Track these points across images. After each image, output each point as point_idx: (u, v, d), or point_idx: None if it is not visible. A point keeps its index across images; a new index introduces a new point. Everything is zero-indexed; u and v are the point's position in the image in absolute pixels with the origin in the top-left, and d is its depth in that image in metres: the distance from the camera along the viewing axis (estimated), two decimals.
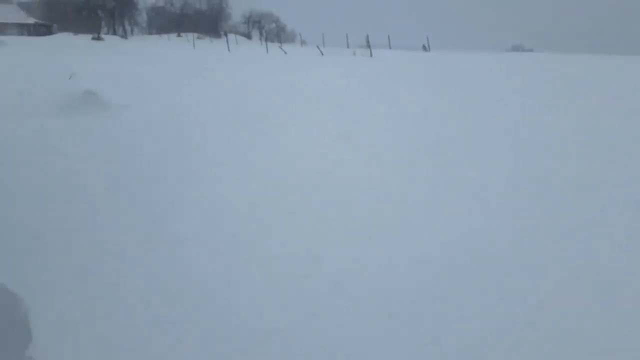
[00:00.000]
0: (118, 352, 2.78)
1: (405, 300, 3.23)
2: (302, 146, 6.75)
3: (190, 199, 4.93)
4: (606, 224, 4.25)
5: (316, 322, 3.03)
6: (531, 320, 3.02)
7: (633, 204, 4.61)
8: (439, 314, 3.09)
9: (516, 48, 37.37)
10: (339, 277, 3.52)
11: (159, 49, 31.31)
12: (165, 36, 55.00)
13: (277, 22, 70.79)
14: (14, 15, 54.90)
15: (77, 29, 52.22)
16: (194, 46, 34.29)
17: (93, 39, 44.17)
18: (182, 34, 56.52)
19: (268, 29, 67.57)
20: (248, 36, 63.80)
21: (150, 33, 65.10)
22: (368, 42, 24.31)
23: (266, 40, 41.55)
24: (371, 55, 21.05)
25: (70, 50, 26.77)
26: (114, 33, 57.93)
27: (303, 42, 41.59)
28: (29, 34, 51.75)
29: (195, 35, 50.43)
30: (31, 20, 55.52)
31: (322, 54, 22.79)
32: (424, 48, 26.06)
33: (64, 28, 54.31)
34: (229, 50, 29.35)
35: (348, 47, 30.69)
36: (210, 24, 62.44)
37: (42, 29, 54.47)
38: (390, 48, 28.01)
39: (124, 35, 56.95)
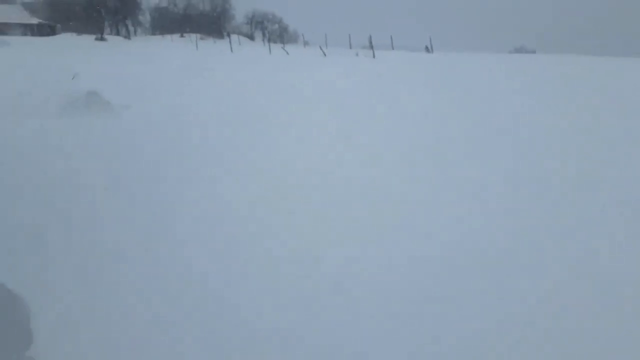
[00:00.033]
0: (118, 352, 2.78)
1: (405, 300, 3.23)
2: (303, 146, 6.76)
3: (191, 199, 4.94)
4: (606, 224, 4.24)
5: (316, 322, 3.03)
6: (531, 320, 3.01)
7: (633, 204, 4.60)
8: (439, 313, 3.09)
9: (519, 49, 37.35)
10: (338, 277, 3.52)
11: (161, 49, 31.38)
12: (168, 37, 55.12)
13: (280, 23, 70.89)
14: (18, 15, 55.11)
15: (81, 30, 52.37)
16: (196, 47, 34.36)
17: (96, 39, 44.30)
18: (185, 34, 56.64)
19: (271, 30, 67.63)
20: (251, 37, 63.86)
21: (154, 34, 65.24)
22: (371, 43, 24.29)
23: (269, 41, 41.60)
24: (374, 56, 21.04)
25: (73, 51, 26.86)
26: (117, 33, 58.09)
27: (306, 43, 41.61)
28: (33, 34, 51.93)
29: (198, 36, 50.54)
30: (35, 21, 55.73)
31: (325, 55, 22.79)
32: (427, 49, 26.02)
33: (68, 28, 54.48)
34: (231, 50, 29.39)
35: (351, 47, 30.70)
36: (213, 24, 62.53)
37: (45, 29, 54.66)
38: (393, 49, 27.99)
39: (127, 36, 57.10)
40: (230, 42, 34.24)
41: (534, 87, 10.57)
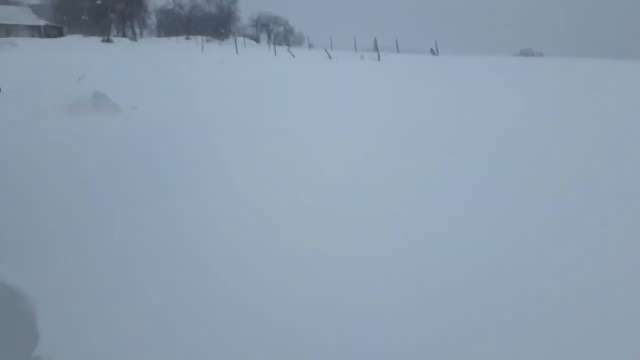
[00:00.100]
0: (124, 351, 2.77)
1: (405, 300, 3.22)
2: (303, 147, 6.76)
3: (194, 199, 4.95)
4: (606, 224, 4.23)
5: (316, 321, 3.02)
6: (531, 320, 3.00)
7: (633, 204, 4.59)
8: (439, 313, 3.07)
9: (525, 52, 37.30)
10: (338, 277, 3.52)
11: (167, 51, 31.55)
12: (174, 38, 55.44)
13: (285, 25, 71.17)
14: (25, 17, 55.58)
15: (87, 31, 52.77)
16: (202, 49, 34.51)
17: (103, 41, 44.62)
18: (190, 36, 56.94)
19: (276, 32, 67.86)
20: (256, 39, 64.11)
21: (159, 35, 65.62)
22: (376, 45, 24.36)
23: (274, 43, 41.72)
24: (379, 58, 21.07)
25: (80, 52, 27.04)
26: (124, 35, 58.46)
27: (311, 46, 41.71)
28: (40, 36, 52.36)
29: (204, 38, 50.80)
30: (42, 22, 56.17)
31: (330, 57, 22.83)
32: (432, 52, 26.05)
33: (74, 30, 54.91)
34: (237, 52, 29.50)
35: (356, 50, 30.75)
36: (219, 26, 62.80)
37: (52, 31, 55.08)
38: (398, 52, 28.03)
39: (134, 38, 57.46)
40: (235, 44, 34.37)
41: (536, 89, 10.57)
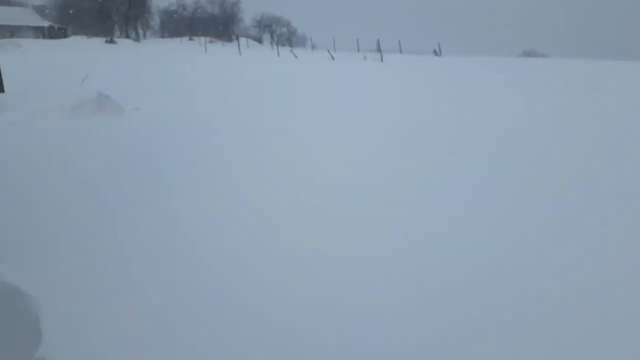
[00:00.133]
0: (128, 351, 2.79)
1: (406, 300, 3.22)
2: (304, 147, 6.77)
3: (196, 199, 4.97)
4: (606, 225, 4.22)
5: (316, 322, 3.03)
6: (531, 320, 3.00)
7: (634, 205, 4.58)
8: (439, 314, 3.08)
9: (528, 53, 37.22)
10: (339, 277, 3.53)
11: (171, 52, 31.63)
12: (177, 39, 55.54)
13: (288, 26, 71.22)
14: (29, 18, 55.76)
15: (91, 32, 52.94)
16: (205, 50, 34.57)
17: (106, 42, 44.75)
18: (194, 37, 57.05)
19: (279, 33, 67.91)
20: (259, 40, 64.16)
21: (163, 36, 65.76)
22: (379, 46, 24.35)
23: (277, 44, 41.77)
24: (382, 59, 21.07)
25: (83, 53, 27.13)
26: (127, 36, 58.62)
27: (314, 46, 41.75)
28: (44, 37, 52.53)
29: (207, 39, 50.86)
30: (46, 23, 56.36)
31: (333, 58, 22.85)
32: (435, 53, 26.04)
33: (78, 31, 55.08)
34: (240, 53, 29.55)
35: (359, 51, 30.76)
36: (222, 27, 62.89)
37: (56, 32, 55.26)
38: (401, 52, 28.03)
39: (137, 39, 57.62)
40: (238, 45, 34.43)
41: (537, 89, 10.56)
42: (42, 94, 11.30)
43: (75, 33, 55.22)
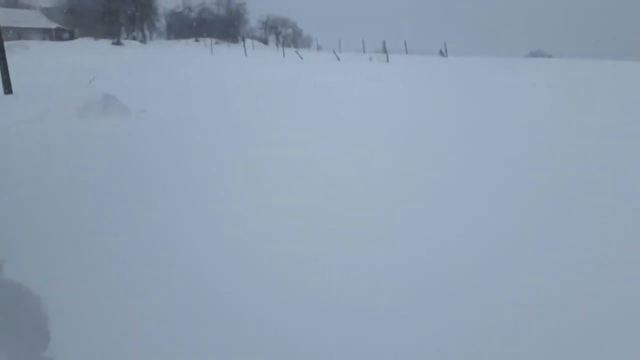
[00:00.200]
0: (124, 352, 2.80)
1: (405, 301, 3.22)
2: (304, 148, 6.78)
3: (198, 200, 4.99)
4: (606, 224, 4.21)
5: (317, 322, 3.04)
6: (531, 320, 2.99)
7: (633, 204, 4.56)
8: (439, 314, 3.07)
9: (535, 54, 37.04)
10: (338, 277, 3.53)
11: (177, 54, 31.75)
12: (183, 41, 55.74)
13: (293, 27, 71.30)
14: (37, 20, 56.16)
15: (98, 34, 53.26)
16: (211, 51, 34.67)
17: (113, 43, 45.01)
18: (199, 39, 57.23)
19: (285, 34, 68.01)
20: (265, 41, 64.27)
21: (169, 38, 66.01)
22: (384, 47, 24.35)
23: (283, 45, 41.82)
24: (387, 60, 21.05)
25: (90, 55, 27.28)
26: (134, 38, 58.92)
27: (319, 48, 41.75)
28: (51, 39, 52.87)
29: (213, 40, 50.99)
30: (53, 25, 56.73)
31: (339, 59, 22.85)
32: (441, 53, 25.98)
33: (85, 33, 55.41)
34: (245, 55, 29.62)
35: (364, 52, 30.73)
36: (227, 29, 63.05)
37: (63, 34, 55.61)
38: (407, 53, 27.99)
39: (143, 40, 57.90)
40: (244, 46, 34.51)
41: (539, 89, 10.53)
42: (49, 95, 11.37)
43: (82, 35, 55.56)
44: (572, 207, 4.59)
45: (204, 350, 2.79)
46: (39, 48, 32.59)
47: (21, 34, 48.68)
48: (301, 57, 25.80)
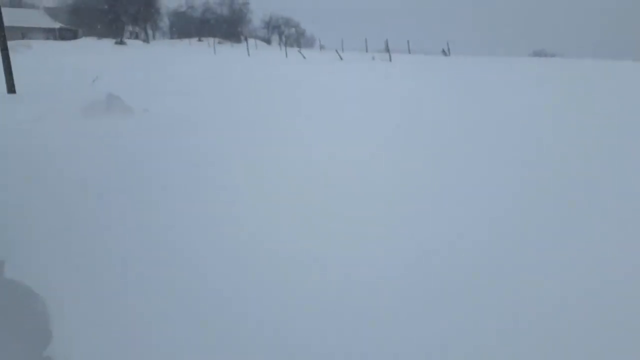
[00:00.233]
0: (123, 352, 2.80)
1: (405, 301, 3.22)
2: (304, 148, 6.78)
3: (204, 200, 5.00)
4: (606, 224, 4.20)
5: (315, 322, 3.04)
6: (531, 320, 2.98)
7: (633, 204, 4.55)
8: (439, 314, 3.07)
9: (538, 53, 36.92)
10: (338, 277, 3.53)
11: (180, 53, 31.79)
12: (186, 41, 55.78)
13: (296, 27, 71.26)
14: (40, 20, 56.29)
15: (101, 34, 53.36)
16: (214, 51, 34.69)
17: (116, 43, 45.03)
18: (202, 38, 57.28)
19: (287, 34, 68.00)
20: (268, 41, 64.26)
21: (172, 38, 66.09)
22: (387, 46, 24.31)
23: (285, 45, 41.83)
24: (390, 59, 21.03)
25: (94, 54, 27.34)
26: (137, 37, 59.02)
27: (322, 47, 41.75)
28: (55, 38, 52.99)
29: (216, 40, 50.99)
30: (57, 25, 56.85)
31: (341, 59, 22.83)
32: (444, 53, 25.94)
33: (89, 32, 55.52)
34: (248, 54, 29.63)
35: (367, 51, 30.71)
36: (230, 28, 63.08)
37: (67, 34, 55.73)
38: (410, 52, 27.95)
39: (146, 40, 57.97)
40: (247, 46, 34.52)
41: (540, 89, 10.51)
42: (52, 95, 11.40)
43: (85, 34, 55.67)
44: (572, 207, 4.58)
45: (205, 350, 2.79)
46: (42, 48, 32.67)
47: (25, 33, 48.81)
48: (304, 57, 25.78)
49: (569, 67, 14.55)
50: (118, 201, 4.98)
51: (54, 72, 17.86)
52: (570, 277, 3.42)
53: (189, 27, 64.48)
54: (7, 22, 14.06)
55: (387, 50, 23.83)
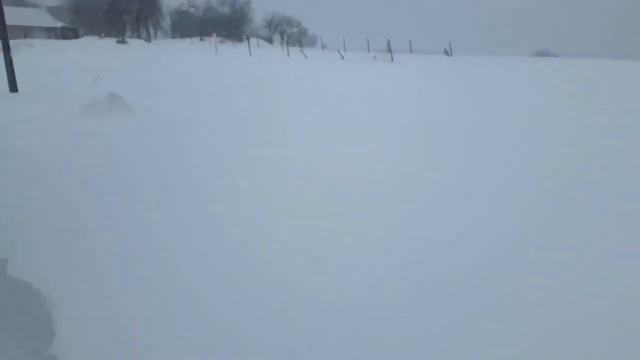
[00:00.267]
0: (123, 352, 2.81)
1: (405, 301, 3.22)
2: (304, 148, 6.77)
3: (204, 200, 5.00)
4: (606, 224, 4.20)
5: (316, 322, 3.04)
6: (532, 321, 2.98)
7: (633, 204, 4.55)
8: (439, 315, 3.07)
9: (540, 53, 36.87)
10: (338, 277, 3.53)
11: (181, 52, 31.79)
12: (188, 40, 55.81)
13: (298, 26, 71.28)
14: (42, 19, 56.36)
15: (103, 33, 53.43)
16: (216, 50, 34.70)
17: (118, 42, 45.06)
18: (204, 37, 57.30)
19: (289, 33, 68.02)
20: (269, 40, 64.27)
21: (174, 37, 66.14)
22: (389, 46, 24.30)
23: (287, 44, 41.84)
24: (392, 59, 21.00)
25: (95, 53, 27.36)
26: (138, 36, 59.05)
27: (324, 47, 41.75)
28: (56, 37, 53.07)
29: (218, 39, 51.00)
30: (58, 24, 56.93)
31: (343, 58, 22.82)
32: (446, 53, 25.90)
33: (90, 31, 55.60)
34: (250, 53, 29.62)
35: (369, 51, 30.66)
36: (232, 27, 63.10)
37: (68, 33, 55.82)
38: (412, 52, 27.92)
39: (148, 39, 58.00)
40: (249, 45, 34.52)
41: (541, 89, 10.50)
42: (54, 94, 11.42)
43: (87, 33, 55.72)
44: (572, 207, 4.58)
45: (205, 349, 2.79)
46: (44, 47, 32.70)
47: (26, 32, 48.86)
48: (306, 56, 25.76)
49: (570, 67, 14.53)
50: (118, 201, 4.98)
51: (56, 71, 17.88)
52: (570, 277, 3.42)
53: (190, 26, 64.52)
54: (9, 21, 14.08)
55: (389, 50, 23.81)
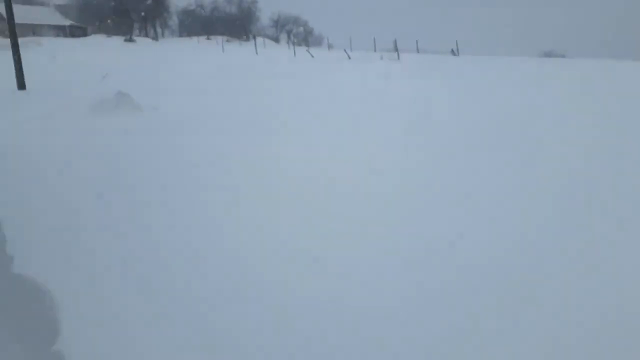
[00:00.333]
0: (123, 351, 2.83)
1: (404, 302, 3.22)
2: (304, 148, 6.78)
3: (201, 200, 5.01)
4: (606, 224, 4.19)
5: (316, 322, 3.04)
6: (532, 321, 2.98)
7: (633, 204, 4.54)
8: (439, 315, 3.07)
9: (548, 54, 36.66)
10: (338, 277, 3.53)
11: (188, 51, 31.87)
12: (195, 39, 55.96)
13: (305, 26, 71.26)
14: (51, 17, 56.70)
15: (111, 31, 53.70)
16: (222, 49, 34.76)
17: (125, 40, 45.22)
18: (211, 36, 57.43)
19: (296, 33, 68.06)
20: (276, 40, 64.29)
21: (181, 36, 66.31)
22: (396, 46, 24.25)
23: (294, 43, 41.84)
24: (398, 59, 20.95)
25: (103, 52, 27.49)
26: (146, 35, 59.26)
27: (330, 46, 41.68)
28: (65, 36, 53.35)
29: (225, 38, 51.11)
30: (67, 22, 57.26)
31: (350, 58, 22.79)
32: (453, 52, 25.80)
33: (98, 30, 55.94)
34: (256, 53, 29.65)
35: (375, 50, 30.59)
36: (239, 27, 63.20)
37: (77, 31, 56.11)
38: (419, 52, 27.85)
39: (155, 38, 58.18)
40: (255, 44, 34.56)
41: (544, 89, 10.44)
42: (62, 92, 11.49)
43: (95, 32, 56.01)
44: (572, 207, 4.57)
45: (206, 349, 2.80)
46: (52, 44, 32.88)
47: (35, 30, 49.17)
48: (312, 56, 25.74)
49: (572, 67, 14.44)
50: (123, 199, 5.01)
51: (64, 69, 17.99)
52: (570, 277, 3.42)
53: (197, 25, 64.68)
54: (18, 19, 14.18)
55: (396, 49, 23.76)
